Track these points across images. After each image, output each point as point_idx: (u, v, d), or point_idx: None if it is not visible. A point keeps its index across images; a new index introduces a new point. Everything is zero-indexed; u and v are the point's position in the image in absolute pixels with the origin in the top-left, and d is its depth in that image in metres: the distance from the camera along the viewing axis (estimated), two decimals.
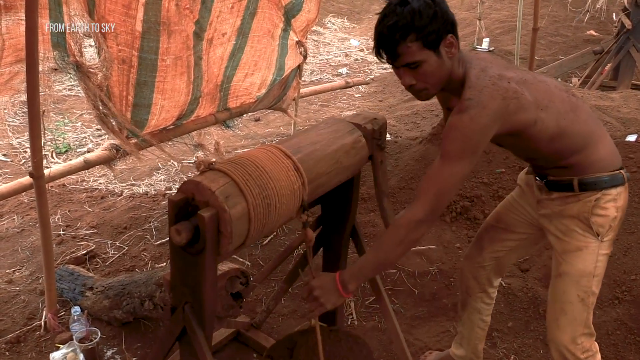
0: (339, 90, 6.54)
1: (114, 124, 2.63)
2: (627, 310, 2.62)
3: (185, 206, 1.31)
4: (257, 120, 5.94)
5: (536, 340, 2.57)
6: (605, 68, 6.86)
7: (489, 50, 8.21)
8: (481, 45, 8.29)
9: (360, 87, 7.08)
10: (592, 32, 9.75)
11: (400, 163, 3.95)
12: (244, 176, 1.35)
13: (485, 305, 2.18)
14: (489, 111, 1.53)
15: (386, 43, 1.56)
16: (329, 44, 9.91)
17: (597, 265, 1.71)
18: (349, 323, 2.68)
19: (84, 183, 4.18)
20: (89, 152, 4.10)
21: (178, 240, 1.25)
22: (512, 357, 2.43)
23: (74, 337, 2.35)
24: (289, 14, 3.49)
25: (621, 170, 1.70)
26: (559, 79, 7.36)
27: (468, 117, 1.53)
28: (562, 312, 1.76)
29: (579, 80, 7.29)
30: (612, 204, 1.68)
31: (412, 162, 3.82)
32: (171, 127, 3.08)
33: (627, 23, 6.53)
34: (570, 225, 1.72)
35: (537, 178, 1.84)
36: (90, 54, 2.72)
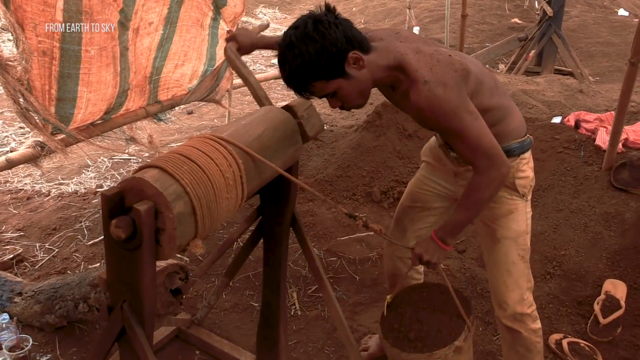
0: (273, 81, 6.48)
1: (37, 119, 2.50)
2: (559, 284, 2.73)
3: (120, 202, 1.25)
4: (190, 113, 5.80)
5: (475, 318, 2.64)
6: (530, 54, 7.12)
7: None
8: None
9: None
10: (517, 20, 10.10)
11: (337, 152, 3.96)
12: (182, 170, 1.30)
13: (415, 281, 2.24)
14: (450, 85, 1.55)
15: (294, 89, 1.62)
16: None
17: (527, 223, 1.86)
18: (292, 313, 2.67)
19: (8, 184, 3.96)
20: (11, 151, 3.88)
21: (118, 236, 1.19)
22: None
23: (3, 347, 2.22)
24: (218, 3, 3.41)
25: (528, 135, 1.83)
26: (487, 65, 7.59)
27: (438, 94, 1.54)
28: (507, 273, 1.86)
29: (505, 66, 7.53)
30: (528, 166, 1.82)
31: (348, 150, 3.84)
32: (99, 121, 2.95)
33: (549, 10, 6.80)
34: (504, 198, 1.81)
35: (452, 152, 1.85)
36: (9, 49, 2.57)
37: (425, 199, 2.06)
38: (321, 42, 1.50)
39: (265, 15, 11.45)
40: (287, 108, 1.78)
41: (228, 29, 3.55)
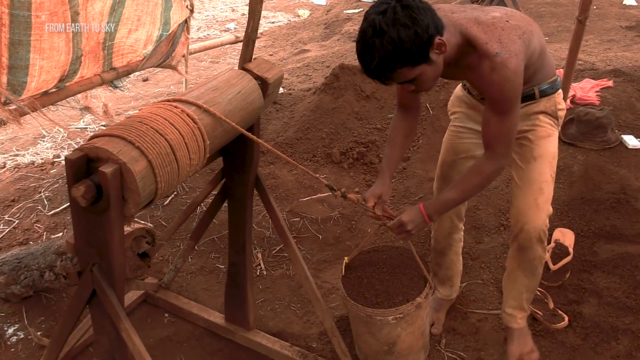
0: (228, 46, 6.40)
1: None
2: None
3: (84, 165, 1.26)
4: (145, 80, 5.70)
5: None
6: None
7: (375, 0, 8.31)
8: None
9: None
10: None
11: (296, 115, 3.99)
12: (139, 132, 1.33)
13: (460, 240, 2.37)
14: (520, 54, 1.66)
15: (376, 77, 1.59)
16: None
17: (558, 149, 2.03)
18: (258, 273, 2.73)
19: None
20: None
21: (82, 201, 1.21)
22: None
23: None
24: None
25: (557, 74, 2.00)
26: None
27: (510, 69, 1.62)
28: (540, 192, 1.98)
29: None
30: (563, 100, 2.01)
31: (307, 113, 3.87)
32: (54, 90, 2.89)
33: None
34: (539, 118, 1.97)
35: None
36: None
37: (467, 148, 2.14)
38: (414, 28, 1.48)
39: None
40: (247, 70, 1.80)
41: None
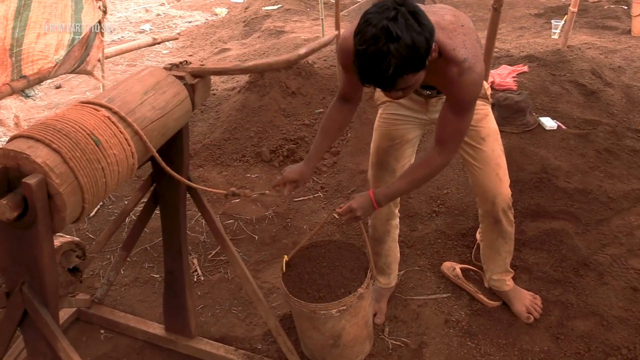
0: (145, 48, 6.21)
1: None
2: (444, 220, 2.95)
3: (4, 179, 1.17)
4: (58, 87, 5.43)
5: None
6: None
7: None
8: None
9: (167, 42, 6.79)
10: None
11: (222, 115, 3.92)
12: (59, 137, 1.24)
13: (396, 226, 2.43)
14: (481, 57, 1.74)
15: (382, 84, 1.54)
16: None
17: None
18: (195, 279, 2.67)
19: None
20: None
21: (8, 216, 1.12)
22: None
23: None
24: None
25: None
26: None
27: (477, 73, 1.70)
28: (498, 166, 2.14)
29: None
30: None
31: (234, 112, 3.82)
32: None
33: None
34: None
35: (425, 90, 2.05)
36: None
37: (402, 134, 2.19)
38: (424, 34, 1.48)
39: None
40: (172, 72, 1.74)
41: None
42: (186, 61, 1.81)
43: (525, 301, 2.39)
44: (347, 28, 1.90)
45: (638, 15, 5.82)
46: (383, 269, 2.46)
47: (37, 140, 1.21)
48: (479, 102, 2.06)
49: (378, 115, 2.27)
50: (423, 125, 2.24)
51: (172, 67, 1.77)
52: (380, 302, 2.46)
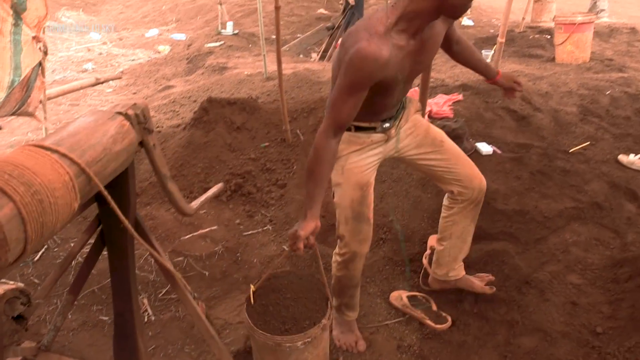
0: (89, 88, 6.15)
1: None
2: (391, 247, 3.03)
3: None
4: None
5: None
6: (338, 42, 7.57)
7: (234, 34, 8.44)
8: (226, 29, 8.48)
9: (111, 81, 6.75)
10: (323, 10, 10.64)
11: (168, 152, 3.92)
12: (2, 175, 1.24)
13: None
14: None
15: None
16: (67, 39, 9.18)
17: None
18: (146, 320, 2.63)
19: None
20: None
21: None
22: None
23: None
24: (18, 8, 3.17)
25: None
26: (301, 55, 7.92)
27: None
28: (467, 159, 2.36)
29: (317, 54, 7.93)
30: None
31: (179, 149, 3.82)
32: None
33: (351, 0, 7.29)
34: (416, 118, 2.32)
35: (391, 121, 2.19)
36: None
37: (369, 179, 2.23)
38: None
39: (69, 18, 10.72)
40: (118, 112, 1.76)
41: (33, 35, 3.32)
42: (135, 104, 1.83)
43: (479, 279, 2.64)
44: (359, 36, 1.87)
45: (560, 44, 6.19)
46: (354, 306, 2.48)
47: None
48: (418, 117, 2.29)
49: (341, 168, 2.18)
50: (381, 160, 2.30)
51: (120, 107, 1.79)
52: (354, 330, 2.48)
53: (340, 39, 7.47)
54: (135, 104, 1.82)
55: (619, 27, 8.01)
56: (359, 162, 2.18)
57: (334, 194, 2.26)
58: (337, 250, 2.34)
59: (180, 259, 2.99)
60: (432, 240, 2.96)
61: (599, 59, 6.25)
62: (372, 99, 1.98)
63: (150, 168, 3.75)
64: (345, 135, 2.09)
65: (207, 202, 2.09)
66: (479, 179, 2.36)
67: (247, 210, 3.45)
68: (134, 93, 6.58)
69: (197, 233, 3.18)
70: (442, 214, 2.52)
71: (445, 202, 2.50)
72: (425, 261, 2.81)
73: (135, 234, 1.69)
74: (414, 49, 1.95)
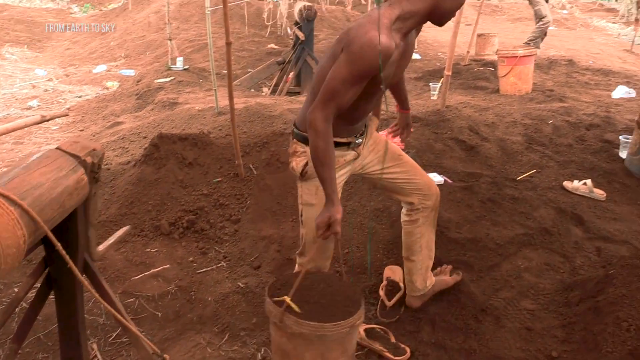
0: (34, 126, 5.97)
1: None
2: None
3: None
4: None
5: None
6: (289, 76, 7.64)
7: (184, 69, 8.41)
8: (176, 65, 8.45)
9: (57, 119, 6.58)
10: (273, 45, 10.76)
11: (117, 190, 3.82)
12: None
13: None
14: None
15: None
16: (11, 76, 8.95)
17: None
18: None
19: None
20: None
21: None
22: (262, 350, 2.58)
23: None
24: None
25: None
26: (252, 89, 7.95)
27: None
28: (421, 168, 2.51)
29: (269, 89, 7.97)
30: None
31: (130, 187, 3.74)
32: None
33: (301, 35, 7.39)
34: (375, 134, 2.45)
35: (362, 137, 2.30)
36: None
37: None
38: None
39: (12, 54, 10.47)
40: (67, 152, 1.71)
41: None
42: (94, 150, 1.79)
43: (444, 274, 2.83)
44: (368, 27, 1.90)
45: (504, 76, 6.43)
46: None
47: None
48: (375, 132, 2.45)
49: (315, 188, 2.21)
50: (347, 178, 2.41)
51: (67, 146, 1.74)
52: None
53: (291, 74, 7.56)
54: (94, 149, 1.78)
55: (558, 59, 8.42)
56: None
57: (302, 212, 2.30)
58: (298, 269, 2.40)
59: (131, 300, 2.89)
60: (387, 271, 2.97)
61: (541, 90, 6.53)
62: (357, 102, 2.04)
63: (98, 207, 3.65)
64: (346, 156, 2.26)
65: (113, 246, 2.09)
66: (434, 186, 2.52)
67: (200, 247, 3.39)
68: (81, 130, 6.43)
69: (149, 273, 3.09)
70: (406, 231, 2.59)
71: (405, 217, 2.57)
72: (382, 292, 2.81)
73: (86, 283, 1.62)
74: (402, 50, 2.04)
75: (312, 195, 2.24)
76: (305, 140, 2.16)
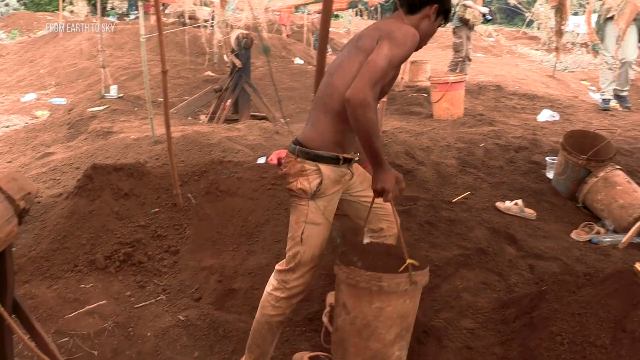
0: None
1: None
2: None
3: None
4: None
5: (221, 358, 2.72)
6: (227, 104, 7.61)
7: (119, 97, 8.25)
8: (110, 93, 8.27)
9: None
10: (209, 72, 10.72)
11: (49, 224, 3.67)
12: None
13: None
14: None
15: None
16: None
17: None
18: None
19: None
20: None
21: None
22: None
23: None
24: None
25: None
26: (189, 117, 7.87)
27: None
28: None
29: (206, 116, 7.91)
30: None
31: (62, 220, 3.59)
32: None
33: (237, 63, 7.41)
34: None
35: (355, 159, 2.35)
36: None
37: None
38: None
39: None
40: (4, 191, 1.63)
41: None
42: (30, 194, 1.71)
43: None
44: (399, 22, 2.27)
45: (437, 102, 6.65)
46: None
47: None
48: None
49: (323, 208, 2.28)
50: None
51: None
52: None
53: (228, 101, 7.53)
54: (29, 193, 1.71)
55: (487, 84, 8.79)
56: (335, 202, 2.34)
57: (303, 231, 2.28)
58: (282, 286, 2.36)
59: (65, 339, 2.76)
60: (330, 297, 2.97)
61: (472, 114, 6.79)
62: None
63: (28, 242, 3.50)
64: (333, 174, 2.25)
65: None
66: (396, 214, 2.49)
67: (138, 280, 3.28)
68: (9, 162, 6.16)
69: (84, 310, 2.97)
70: None
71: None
72: (325, 319, 2.80)
73: (14, 325, 1.55)
74: None
75: (319, 214, 2.26)
76: (316, 159, 2.21)
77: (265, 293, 2.42)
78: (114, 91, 8.33)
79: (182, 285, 3.25)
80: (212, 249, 3.56)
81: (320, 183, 2.22)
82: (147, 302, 3.11)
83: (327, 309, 2.86)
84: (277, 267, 2.43)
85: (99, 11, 9.03)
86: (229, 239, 3.61)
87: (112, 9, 20.69)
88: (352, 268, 2.20)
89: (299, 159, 2.25)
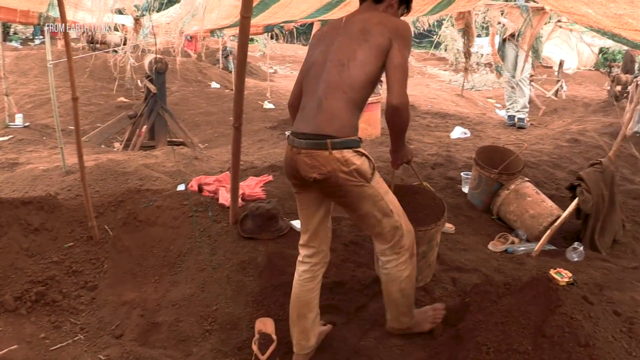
0: None
1: None
2: (218, 337, 2.91)
3: None
4: None
5: None
6: (142, 130, 7.39)
7: (25, 126, 7.82)
8: (15, 122, 7.84)
9: None
10: (123, 98, 10.40)
11: None
12: None
13: None
14: None
15: None
16: None
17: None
18: None
19: None
20: None
21: None
22: None
23: None
24: None
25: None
26: (103, 145, 7.58)
27: None
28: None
29: (121, 144, 7.64)
30: None
31: None
32: None
33: (152, 88, 7.23)
34: None
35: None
36: None
37: None
38: None
39: None
40: None
41: None
42: None
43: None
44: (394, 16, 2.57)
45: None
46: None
47: None
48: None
49: (380, 178, 2.53)
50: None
51: None
52: None
53: (144, 127, 7.32)
54: None
55: None
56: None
57: (388, 204, 2.52)
58: (398, 250, 2.57)
59: None
60: (259, 324, 2.92)
61: (388, 134, 6.94)
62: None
63: None
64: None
65: None
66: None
67: (52, 321, 3.08)
68: None
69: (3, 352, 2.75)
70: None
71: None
72: (255, 347, 2.75)
73: None
74: None
75: (382, 181, 2.53)
76: (356, 144, 2.40)
77: (387, 272, 2.62)
78: (19, 120, 7.90)
79: (101, 323, 3.08)
80: (133, 282, 3.41)
81: (370, 160, 2.45)
82: (63, 344, 2.92)
83: (256, 336, 2.80)
84: (381, 248, 2.61)
85: (0, 35, 8.57)
86: (150, 270, 3.48)
87: (15, 33, 19.73)
88: None
89: (335, 152, 2.32)
